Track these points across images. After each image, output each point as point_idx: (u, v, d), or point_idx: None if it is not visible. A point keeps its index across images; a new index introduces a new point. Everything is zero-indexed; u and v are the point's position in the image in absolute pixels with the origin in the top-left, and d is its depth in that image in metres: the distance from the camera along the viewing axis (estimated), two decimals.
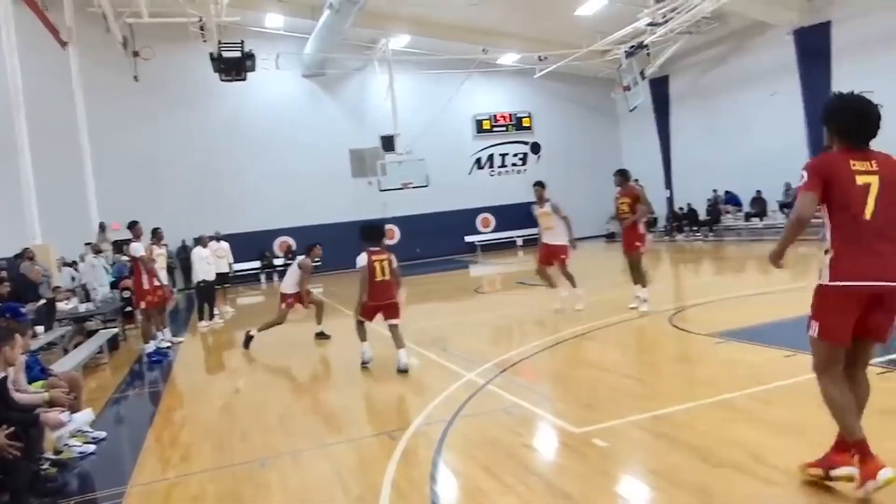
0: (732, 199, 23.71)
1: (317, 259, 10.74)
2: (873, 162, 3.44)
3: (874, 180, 3.39)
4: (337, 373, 8.43)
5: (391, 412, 6.45)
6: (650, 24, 18.93)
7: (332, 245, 25.53)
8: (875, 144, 3.58)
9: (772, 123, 21.85)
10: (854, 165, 3.42)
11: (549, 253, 10.65)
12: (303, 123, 25.58)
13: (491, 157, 29.09)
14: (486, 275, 21.29)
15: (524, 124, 29.27)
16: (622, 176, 10.20)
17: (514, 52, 25.64)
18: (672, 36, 21.28)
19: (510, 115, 29.06)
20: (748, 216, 22.68)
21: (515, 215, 27.90)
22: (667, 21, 18.65)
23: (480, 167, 28.95)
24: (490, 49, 25.01)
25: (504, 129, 29.07)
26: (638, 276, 9.78)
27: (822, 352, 3.57)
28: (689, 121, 26.13)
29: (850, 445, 3.51)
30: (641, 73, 23.64)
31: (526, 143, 29.47)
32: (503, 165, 29.26)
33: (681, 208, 25.95)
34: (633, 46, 21.72)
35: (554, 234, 10.56)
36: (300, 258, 10.73)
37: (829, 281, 3.44)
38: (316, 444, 5.41)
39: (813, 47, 20.11)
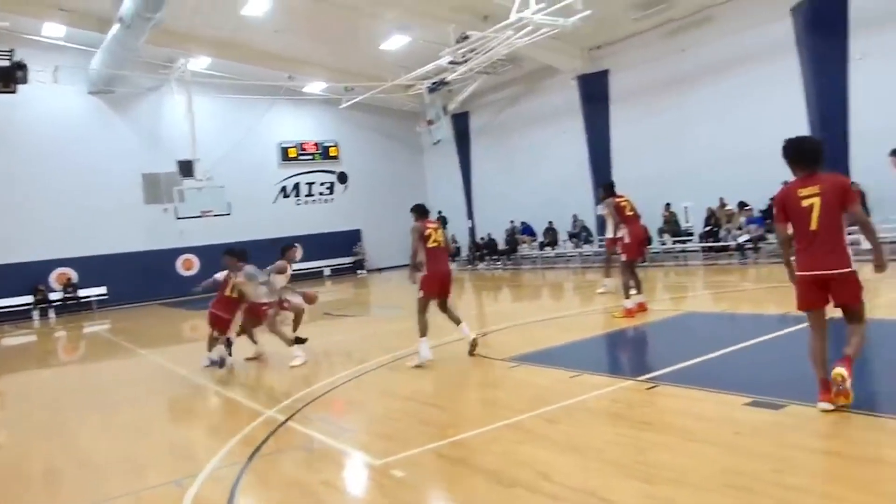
0: (527, 230, 25.36)
1: (294, 261, 9.97)
2: (817, 186, 4.77)
3: (816, 201, 4.76)
4: (122, 416, 7.66)
5: (181, 457, 5.97)
6: (451, 63, 19.82)
7: (124, 277, 23.71)
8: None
9: (561, 160, 23.83)
10: (800, 192, 4.83)
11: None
12: (88, 144, 23.47)
13: (297, 186, 28.63)
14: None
15: (331, 153, 29.21)
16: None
17: (321, 81, 25.59)
18: (472, 75, 22.47)
19: (317, 143, 28.87)
20: (542, 245, 24.37)
21: (323, 245, 27.63)
22: (466, 60, 19.64)
23: (286, 196, 28.35)
24: (296, 77, 24.74)
25: (311, 157, 28.78)
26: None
27: (807, 317, 5.00)
28: (488, 155, 27.68)
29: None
30: (444, 109, 24.68)
31: (333, 172, 29.41)
32: (310, 194, 28.92)
33: (482, 238, 27.25)
34: (435, 83, 22.61)
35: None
36: (275, 264, 9.67)
37: (797, 271, 4.93)
38: None
39: (594, 92, 22.34)
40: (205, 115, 24.16)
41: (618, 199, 10.50)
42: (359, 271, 28.64)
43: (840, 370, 4.63)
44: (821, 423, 4.70)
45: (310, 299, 10.15)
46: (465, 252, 28.05)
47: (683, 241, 19.74)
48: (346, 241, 28.98)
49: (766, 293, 12.28)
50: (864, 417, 4.69)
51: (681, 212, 20.20)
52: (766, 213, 17.21)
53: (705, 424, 4.93)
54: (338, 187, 29.57)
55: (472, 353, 8.20)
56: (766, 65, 17.63)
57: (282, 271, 9.66)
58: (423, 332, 8.03)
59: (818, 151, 4.99)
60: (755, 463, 4.11)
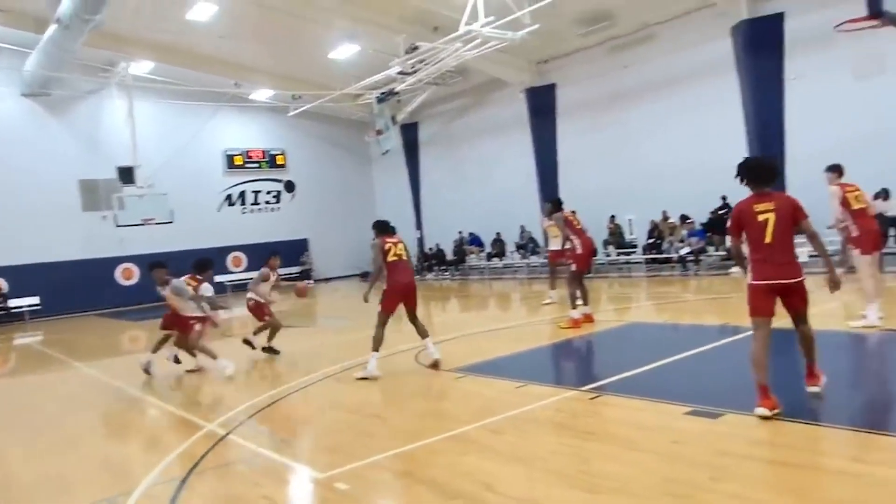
0: (476, 241, 25.49)
1: (275, 269, 10.75)
2: (772, 203, 5.17)
3: (771, 216, 5.14)
4: (53, 431, 7.34)
5: (115, 474, 5.75)
6: (401, 73, 19.82)
7: (59, 286, 22.81)
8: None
9: (509, 171, 24.07)
10: (756, 208, 5.19)
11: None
12: (21, 148, 22.60)
13: (243, 194, 28.15)
14: (237, 316, 20.29)
15: (278, 162, 28.83)
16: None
17: (268, 89, 25.27)
18: (421, 85, 22.53)
19: (264, 151, 28.47)
20: (490, 256, 24.52)
21: (269, 254, 27.21)
22: (415, 71, 19.69)
23: (231, 204, 27.84)
24: (242, 83, 24.37)
25: (257, 165, 28.36)
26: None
27: (753, 322, 5.25)
28: (437, 166, 27.76)
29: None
30: (393, 119, 24.63)
31: (280, 181, 29.03)
32: (256, 203, 28.47)
33: (430, 249, 27.27)
34: (384, 93, 22.59)
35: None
36: (259, 272, 10.70)
37: (752, 280, 5.24)
38: None
39: (541, 105, 22.68)
40: (146, 120, 23.58)
41: (566, 214, 10.70)
42: (306, 281, 28.21)
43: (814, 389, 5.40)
44: (757, 431, 4.83)
45: (300, 293, 11.19)
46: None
47: (627, 253, 20.15)
48: (292, 251, 28.53)
49: (706, 304, 12.61)
50: (799, 426, 4.84)
51: (625, 224, 20.63)
52: (707, 227, 17.72)
53: (646, 433, 5.01)
54: (285, 196, 29.19)
55: (432, 367, 8.19)
56: (707, 82, 18.20)
57: (266, 279, 10.53)
58: (377, 346, 7.94)
59: (775, 171, 5.61)
60: (693, 471, 4.19)
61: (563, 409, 6.01)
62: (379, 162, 29.90)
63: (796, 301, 5.21)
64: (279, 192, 29.06)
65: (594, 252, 11.56)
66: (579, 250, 10.33)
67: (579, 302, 10.25)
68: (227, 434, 6.15)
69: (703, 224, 17.82)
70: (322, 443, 5.94)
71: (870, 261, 7.92)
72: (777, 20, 16.69)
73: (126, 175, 21.46)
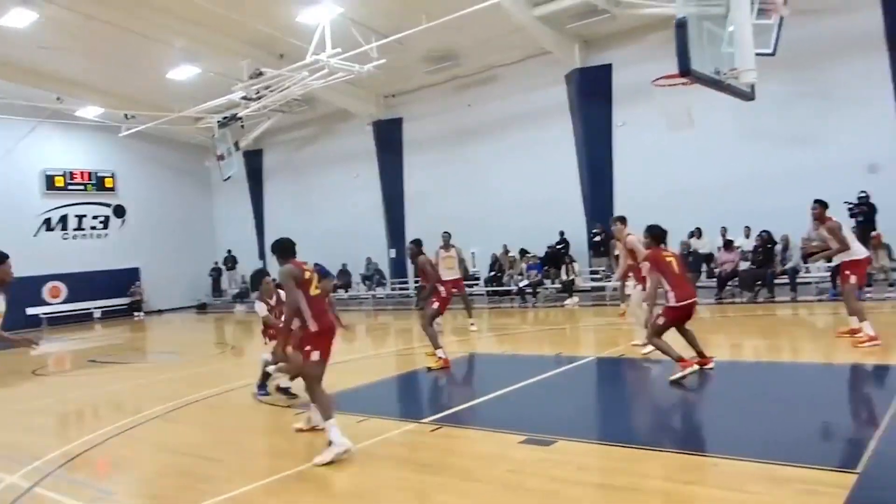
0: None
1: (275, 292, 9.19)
2: (669, 250, 7.76)
3: (674, 258, 7.57)
4: None
5: None
6: (244, 98, 19.22)
7: None
8: None
9: (355, 202, 24.01)
10: (664, 254, 7.49)
11: None
12: None
13: (65, 219, 25.74)
14: (51, 353, 18.42)
15: (107, 185, 26.69)
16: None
17: (97, 106, 23.47)
18: (266, 112, 21.99)
19: (90, 173, 26.26)
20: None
21: (94, 284, 25.13)
22: (260, 97, 19.18)
23: (50, 229, 25.35)
24: (67, 99, 22.46)
25: (82, 188, 26.08)
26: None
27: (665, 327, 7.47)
28: (283, 194, 27.11)
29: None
30: (236, 144, 23.77)
31: (108, 205, 26.86)
32: (80, 228, 26.11)
33: (273, 279, 26.38)
34: (226, 117, 21.76)
35: None
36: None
37: (673, 303, 7.31)
38: None
39: (388, 138, 22.95)
40: None
41: (430, 259, 10.70)
42: (136, 314, 26.24)
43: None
44: (586, 457, 5.08)
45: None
46: (255, 294, 26.94)
47: (470, 286, 20.68)
48: (121, 281, 26.44)
49: (543, 335, 13.21)
50: (625, 449, 5.14)
51: (468, 257, 21.22)
52: (545, 261, 18.65)
53: (483, 463, 5.10)
54: (114, 221, 27.05)
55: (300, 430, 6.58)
56: (545, 124, 19.31)
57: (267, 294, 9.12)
58: (329, 411, 5.62)
59: (665, 234, 7.79)
60: (526, 498, 4.31)
61: (403, 442, 5.99)
62: (221, 188, 28.66)
63: (693, 312, 7.64)
64: (107, 218, 26.87)
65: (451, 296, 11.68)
66: (444, 293, 10.35)
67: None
68: (32, 487, 5.50)
69: (540, 258, 18.75)
70: (145, 490, 5.48)
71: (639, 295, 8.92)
72: (606, 71, 18.16)
73: None
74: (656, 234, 7.72)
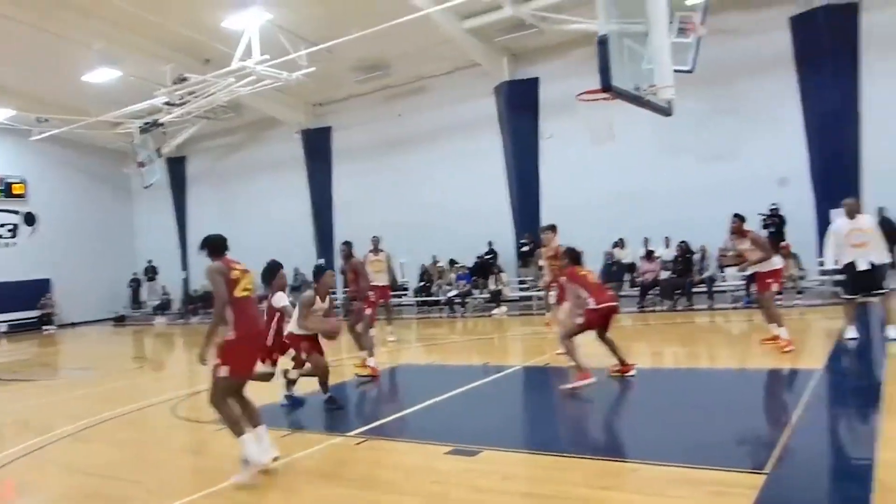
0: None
1: (332, 290, 8.22)
2: (589, 272, 8.05)
3: (588, 273, 8.00)
4: None
5: None
6: (167, 104, 18.62)
7: None
8: None
9: (284, 211, 23.59)
10: (581, 271, 7.96)
11: None
12: None
13: None
14: None
15: (15, 191, 25.30)
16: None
17: (8, 109, 22.24)
18: (190, 118, 21.37)
19: None
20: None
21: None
22: (184, 103, 18.62)
23: None
24: None
25: None
26: None
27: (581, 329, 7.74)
28: (207, 201, 26.35)
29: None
30: (158, 151, 22.99)
31: (17, 212, 25.47)
32: None
33: (195, 290, 25.62)
34: (147, 123, 21.01)
35: None
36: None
37: (593, 305, 7.52)
38: None
39: (317, 146, 22.74)
40: None
41: (360, 261, 10.65)
42: (45, 327, 24.92)
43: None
44: (512, 466, 5.12)
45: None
46: (177, 305, 26.10)
47: (399, 296, 20.61)
48: (31, 292, 25.08)
49: (471, 345, 13.29)
50: (549, 458, 5.21)
51: (397, 266, 21.14)
52: (473, 271, 18.78)
53: (408, 475, 5.07)
54: (23, 230, 25.64)
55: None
56: (474, 135, 19.52)
57: (308, 303, 7.96)
58: (238, 427, 5.30)
59: (581, 255, 8.20)
60: None
61: (329, 456, 5.89)
62: (142, 196, 27.57)
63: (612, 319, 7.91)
64: (16, 226, 25.48)
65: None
66: (373, 297, 10.33)
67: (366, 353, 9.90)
68: None
69: (469, 268, 18.87)
70: None
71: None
72: (533, 84, 18.53)
73: None
74: (573, 256, 8.26)
